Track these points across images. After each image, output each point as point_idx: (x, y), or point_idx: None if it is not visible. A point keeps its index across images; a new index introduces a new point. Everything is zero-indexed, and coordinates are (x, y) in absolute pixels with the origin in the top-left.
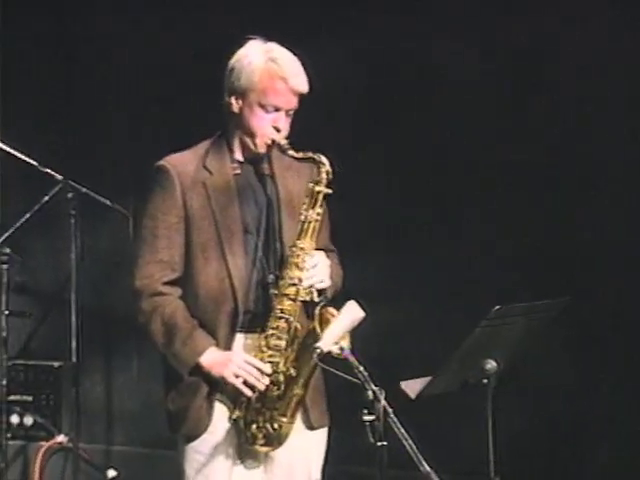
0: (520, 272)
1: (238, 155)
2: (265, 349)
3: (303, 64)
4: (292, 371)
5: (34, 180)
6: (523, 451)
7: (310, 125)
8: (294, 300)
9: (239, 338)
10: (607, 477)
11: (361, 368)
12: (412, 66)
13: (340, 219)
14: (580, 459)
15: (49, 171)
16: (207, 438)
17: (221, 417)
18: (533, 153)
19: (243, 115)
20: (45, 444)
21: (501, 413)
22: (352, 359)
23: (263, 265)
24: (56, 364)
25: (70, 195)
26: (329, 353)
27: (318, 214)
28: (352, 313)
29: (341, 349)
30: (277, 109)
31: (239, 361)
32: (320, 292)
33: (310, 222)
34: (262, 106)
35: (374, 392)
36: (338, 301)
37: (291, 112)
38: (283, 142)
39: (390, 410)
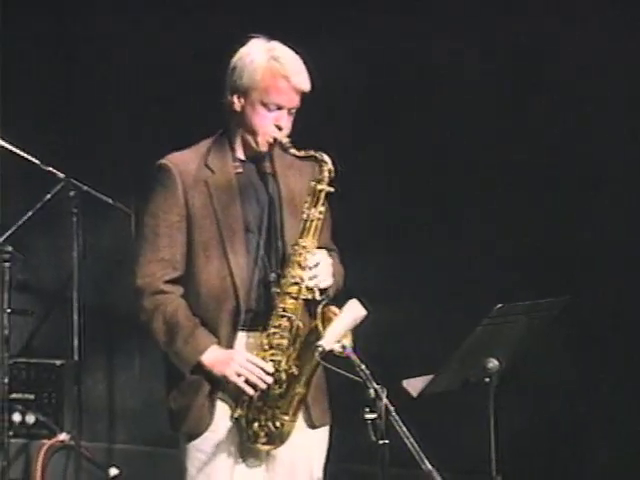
0: (520, 272)
1: (240, 154)
2: (267, 347)
3: (305, 63)
4: (294, 369)
5: (36, 178)
6: (524, 450)
7: (310, 125)
8: (296, 299)
9: (241, 336)
10: (607, 476)
11: (363, 366)
12: (412, 66)
13: (340, 219)
14: (581, 458)
15: (51, 169)
16: (209, 436)
17: (223, 415)
18: (533, 153)
19: (245, 113)
20: (47, 442)
21: (502, 412)
22: (354, 357)
23: (265, 264)
24: (58, 362)
25: (72, 193)
26: (331, 351)
27: (320, 212)
28: (354, 311)
29: (343, 347)
30: (279, 107)
31: (241, 360)
32: (322, 291)
33: (312, 221)
34: (264, 104)
35: (376, 390)
36: (340, 300)
37: (293, 110)
38: (285, 140)
39: (392, 408)
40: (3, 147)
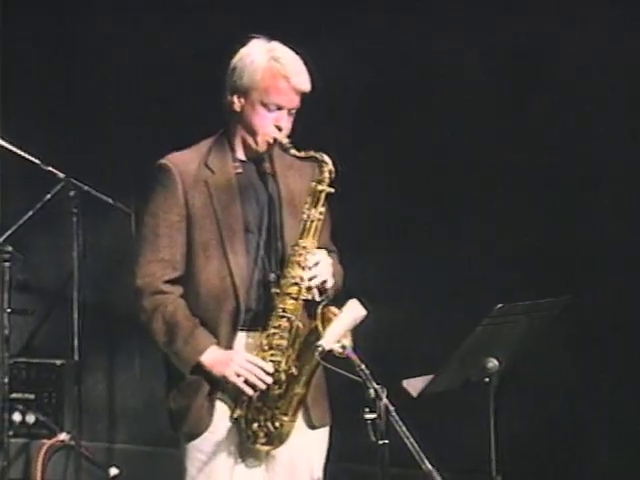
0: (520, 272)
1: (240, 154)
2: (267, 348)
3: (305, 63)
4: (294, 370)
5: (36, 178)
6: (524, 450)
7: (310, 125)
8: (296, 299)
9: (240, 337)
10: (607, 476)
11: (363, 366)
12: (412, 66)
13: (340, 219)
14: (580, 458)
15: (51, 169)
16: (208, 437)
17: (222, 416)
18: (533, 153)
19: (245, 114)
20: (47, 442)
21: (502, 412)
22: (354, 357)
23: (264, 264)
24: (58, 362)
25: (72, 193)
26: (331, 351)
27: (321, 213)
28: (354, 311)
29: (343, 347)
30: (279, 108)
31: (240, 360)
32: (321, 291)
33: (312, 221)
34: (264, 105)
35: (376, 390)
36: (340, 300)
37: (293, 111)
38: (285, 141)
39: (392, 408)
40: (3, 147)
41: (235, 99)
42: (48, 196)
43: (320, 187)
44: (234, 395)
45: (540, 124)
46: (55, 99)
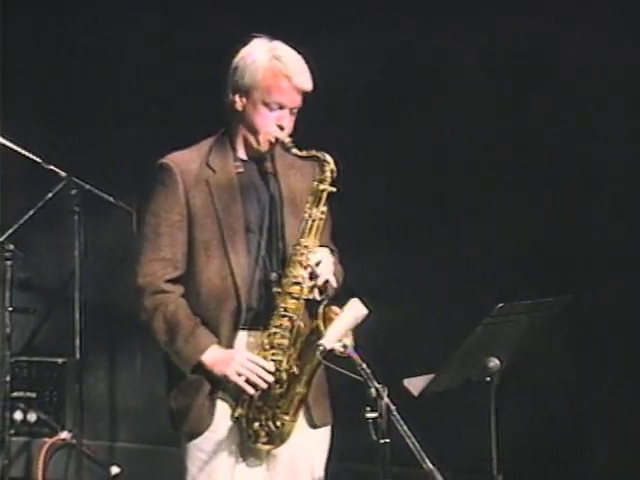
0: (520, 272)
1: (241, 153)
2: (268, 347)
3: (306, 62)
4: (295, 369)
5: (37, 177)
6: (525, 449)
7: (310, 125)
8: (298, 298)
9: (242, 336)
10: (607, 475)
11: (364, 365)
12: (412, 66)
13: (341, 219)
14: (581, 457)
15: (53, 168)
16: (209, 436)
17: (223, 415)
18: (533, 153)
19: (247, 113)
20: (48, 440)
21: (503, 411)
22: (355, 357)
23: (266, 263)
24: (60, 361)
25: (74, 192)
26: (332, 351)
27: (322, 212)
28: (355, 311)
29: (344, 347)
30: (281, 107)
31: (241, 359)
32: (322, 290)
33: (314, 220)
34: (266, 104)
35: (377, 389)
36: (341, 299)
37: (295, 110)
38: (287, 140)
39: (393, 407)
40: (5, 146)
41: (237, 98)
42: (49, 195)
43: (322, 186)
44: (235, 394)
45: (540, 124)
46: (55, 99)
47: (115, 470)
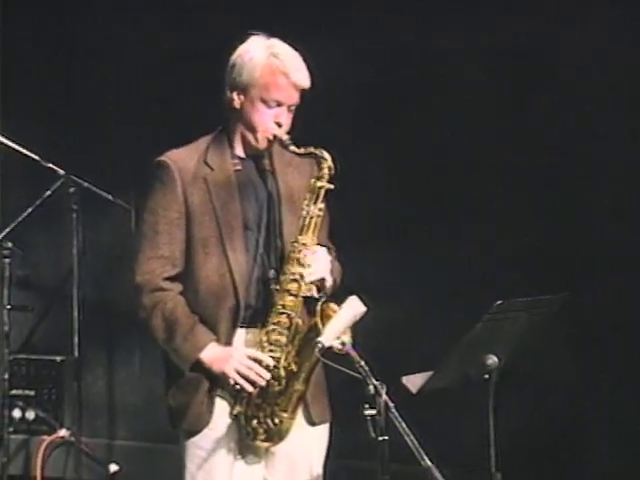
0: (520, 272)
1: (239, 151)
2: (266, 344)
3: (304, 60)
4: (293, 366)
5: (36, 175)
6: (524, 446)
7: (310, 126)
8: (296, 296)
9: (240, 333)
10: (606, 473)
11: (362, 363)
12: (412, 66)
13: (341, 219)
14: (580, 455)
15: (51, 166)
16: (208, 433)
17: (222, 413)
18: (533, 153)
19: (244, 110)
20: (47, 438)
21: (502, 408)
22: (353, 354)
23: (264, 261)
24: (58, 358)
25: (72, 190)
26: (330, 348)
27: (320, 210)
28: (353, 308)
29: (342, 344)
30: (279, 104)
31: (240, 356)
32: (320, 288)
33: (312, 218)
34: (264, 101)
35: (375, 387)
36: (339, 297)
37: (293, 107)
38: (285, 137)
39: (391, 405)
40: (3, 144)
41: (234, 96)
42: (48, 193)
43: (319, 183)
44: (234, 392)
45: (540, 124)
46: (55, 99)
47: (114, 468)
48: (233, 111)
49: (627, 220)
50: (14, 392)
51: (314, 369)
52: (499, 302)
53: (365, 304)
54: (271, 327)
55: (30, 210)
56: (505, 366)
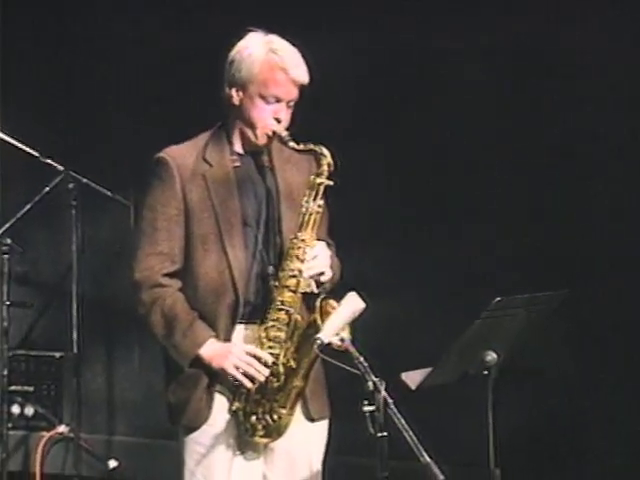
0: (520, 272)
1: (238, 147)
2: (265, 340)
3: (303, 56)
4: (292, 363)
5: (35, 171)
6: (522, 443)
7: (309, 126)
8: (295, 292)
9: (239, 329)
10: (606, 469)
11: (361, 359)
12: (412, 66)
13: (340, 217)
14: (579, 451)
15: (50, 162)
16: (207, 429)
17: (221, 408)
18: (533, 153)
19: (244, 107)
20: (46, 434)
21: (501, 405)
22: (352, 350)
23: (263, 257)
24: (57, 355)
25: (71, 186)
26: (329, 344)
27: (319, 206)
28: (353, 304)
29: (342, 340)
30: (278, 100)
31: (239, 352)
32: (319, 284)
33: (311, 214)
34: (263, 97)
35: (374, 383)
36: (339, 293)
37: (292, 103)
38: (284, 134)
39: (390, 401)
40: (2, 140)
41: (233, 92)
42: (47, 189)
43: (319, 180)
44: (233, 388)
45: (540, 124)
46: (55, 99)
47: (113, 464)
48: (232, 107)
49: (627, 220)
50: (13, 388)
51: (313, 365)
52: (498, 299)
53: (364, 301)
54: (270, 323)
55: (29, 206)
56: (504, 362)
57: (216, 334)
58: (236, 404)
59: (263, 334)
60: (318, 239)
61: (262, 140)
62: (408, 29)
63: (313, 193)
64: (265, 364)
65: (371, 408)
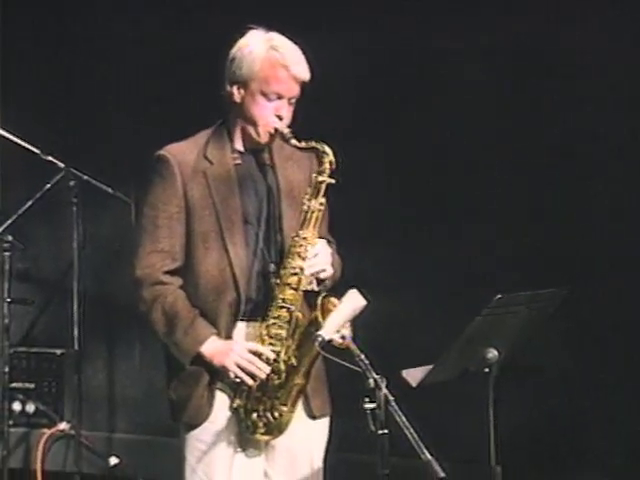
0: (520, 272)
1: (239, 145)
2: (266, 338)
3: (303, 52)
4: (293, 360)
5: (36, 168)
6: (523, 440)
7: (309, 126)
8: (296, 289)
9: (240, 327)
10: (606, 466)
11: (362, 356)
12: (412, 66)
13: (341, 216)
14: (579, 448)
15: (51, 159)
16: (208, 427)
17: (222, 406)
18: (533, 153)
19: (245, 104)
20: (47, 431)
21: (502, 402)
22: (353, 347)
23: (264, 255)
24: (58, 351)
25: (72, 183)
26: (330, 342)
27: (321, 204)
28: (354, 302)
29: (343, 337)
30: (279, 97)
31: (240, 350)
32: (320, 281)
33: (313, 212)
34: (264, 94)
35: (375, 380)
36: (340, 290)
37: (293, 100)
38: (286, 131)
39: (391, 398)
40: (3, 137)
41: (235, 90)
42: (48, 186)
43: (320, 178)
44: (234, 385)
45: (540, 124)
46: (55, 99)
47: (114, 461)
48: (233, 105)
49: (627, 220)
50: (14, 385)
51: (314, 363)
52: (499, 296)
53: (365, 298)
54: (271, 321)
55: (30, 203)
56: (505, 360)
57: (217, 332)
58: (237, 401)
59: (264, 332)
60: (319, 237)
61: (264, 137)
62: (408, 29)
63: (315, 191)
64: (267, 361)
65: (372, 405)
